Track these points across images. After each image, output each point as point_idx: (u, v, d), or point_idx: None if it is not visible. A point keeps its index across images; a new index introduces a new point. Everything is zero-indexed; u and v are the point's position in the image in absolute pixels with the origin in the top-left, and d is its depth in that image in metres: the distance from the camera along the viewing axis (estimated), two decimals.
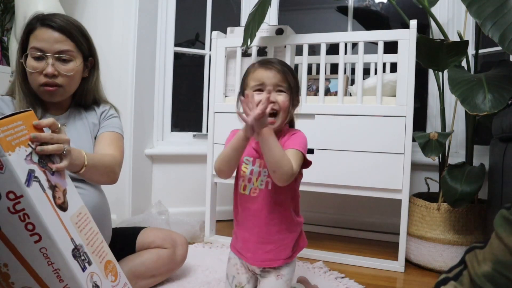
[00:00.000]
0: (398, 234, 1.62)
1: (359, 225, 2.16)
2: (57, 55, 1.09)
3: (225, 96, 1.88)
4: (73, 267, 0.77)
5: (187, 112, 2.49)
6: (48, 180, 0.80)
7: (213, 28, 2.13)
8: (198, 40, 2.47)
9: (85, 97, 1.24)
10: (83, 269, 0.80)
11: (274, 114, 1.05)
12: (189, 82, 2.53)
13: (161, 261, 1.30)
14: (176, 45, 2.31)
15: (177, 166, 2.26)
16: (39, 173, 0.77)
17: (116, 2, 2.06)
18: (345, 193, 1.68)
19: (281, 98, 1.05)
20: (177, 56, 2.34)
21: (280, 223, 1.08)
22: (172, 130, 2.33)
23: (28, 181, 0.74)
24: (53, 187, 0.80)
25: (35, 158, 0.79)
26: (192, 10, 2.44)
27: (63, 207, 0.81)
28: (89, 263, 0.83)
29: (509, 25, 1.30)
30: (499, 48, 1.44)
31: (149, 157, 2.21)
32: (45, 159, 0.82)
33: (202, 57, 2.40)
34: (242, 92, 1.09)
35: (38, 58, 1.09)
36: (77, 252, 0.81)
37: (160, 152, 2.23)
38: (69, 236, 0.80)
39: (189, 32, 2.48)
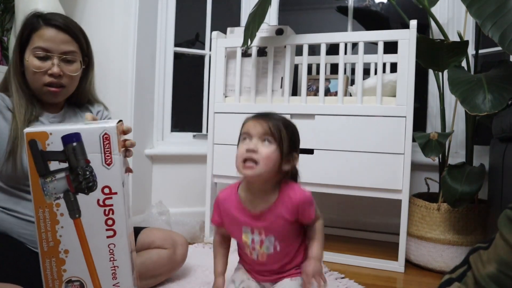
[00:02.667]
0: (398, 234, 1.62)
1: (359, 225, 2.16)
2: (63, 56, 1.09)
3: (225, 96, 1.88)
4: (130, 269, 0.83)
5: (187, 112, 2.49)
6: (127, 187, 0.87)
7: (213, 28, 2.13)
8: (198, 40, 2.47)
9: (81, 96, 1.24)
10: (132, 271, 0.85)
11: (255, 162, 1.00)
12: (189, 82, 2.53)
13: (161, 262, 1.30)
14: (176, 45, 2.31)
15: (177, 166, 2.26)
16: (125, 178, 0.85)
17: (116, 2, 2.06)
18: (345, 193, 1.68)
19: (265, 149, 0.99)
20: (177, 56, 2.34)
21: (291, 261, 1.09)
22: (172, 130, 2.33)
23: (123, 182, 0.82)
24: (127, 194, 0.87)
25: (124, 165, 0.87)
26: (192, 10, 2.44)
27: (129, 212, 0.87)
28: (133, 267, 0.87)
29: (509, 25, 1.30)
30: (499, 48, 1.44)
31: (149, 157, 2.21)
32: (124, 169, 0.89)
33: (202, 57, 2.40)
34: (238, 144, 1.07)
35: (42, 58, 1.08)
36: (131, 255, 0.86)
37: (160, 152, 2.23)
38: (130, 240, 0.85)
39: (189, 32, 2.48)
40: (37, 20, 1.09)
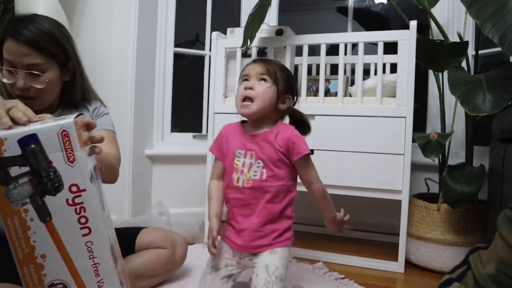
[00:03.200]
0: (398, 234, 1.62)
1: (359, 226, 2.16)
2: (26, 70, 1.04)
3: (225, 97, 1.88)
4: (111, 263, 0.81)
5: (187, 112, 2.49)
6: (98, 182, 0.85)
7: (213, 29, 2.13)
8: (198, 41, 2.47)
9: (73, 97, 1.22)
10: (116, 266, 0.84)
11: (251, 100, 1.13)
12: (189, 83, 2.53)
13: (161, 262, 1.30)
14: (176, 45, 2.31)
15: (177, 167, 2.26)
16: (94, 173, 0.82)
17: (116, 2, 2.06)
18: (345, 193, 1.68)
19: (260, 86, 1.12)
20: (177, 56, 2.34)
21: (272, 213, 1.13)
22: (172, 131, 2.33)
23: (91, 178, 0.79)
24: (99, 189, 0.85)
25: (91, 157, 0.84)
26: (192, 10, 2.44)
27: (103, 206, 0.85)
28: (116, 261, 0.86)
29: (509, 26, 1.30)
30: (499, 49, 1.44)
31: (148, 158, 2.21)
32: (94, 163, 0.86)
33: (202, 58, 2.40)
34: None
35: (9, 71, 1.05)
36: (112, 249, 0.84)
37: (160, 152, 2.23)
38: (107, 234, 0.83)
39: (189, 32, 2.48)
40: (6, 30, 1.05)
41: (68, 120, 0.75)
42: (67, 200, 0.77)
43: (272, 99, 1.13)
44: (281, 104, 1.17)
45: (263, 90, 1.12)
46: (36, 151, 0.75)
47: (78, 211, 0.77)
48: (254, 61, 1.18)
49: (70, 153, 0.75)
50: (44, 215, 0.77)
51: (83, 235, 0.78)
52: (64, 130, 0.75)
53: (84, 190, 0.77)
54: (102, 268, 0.80)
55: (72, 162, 0.76)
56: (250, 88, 1.12)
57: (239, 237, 1.14)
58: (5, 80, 1.06)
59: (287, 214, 1.16)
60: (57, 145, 0.75)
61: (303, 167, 1.16)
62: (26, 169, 0.75)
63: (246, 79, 1.15)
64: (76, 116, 0.78)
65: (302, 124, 1.23)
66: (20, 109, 0.80)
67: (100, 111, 1.27)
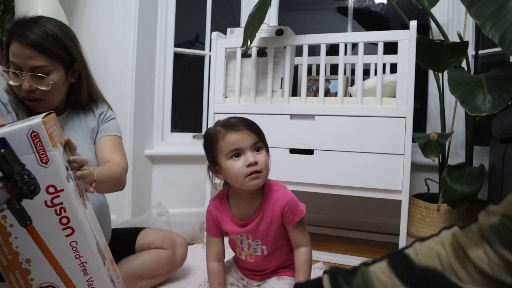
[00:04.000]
0: (398, 235, 1.62)
1: (359, 226, 2.16)
2: (30, 73, 1.06)
3: (225, 97, 1.88)
4: (99, 261, 0.81)
5: (187, 112, 2.49)
6: (75, 179, 0.82)
7: (213, 29, 2.13)
8: (198, 41, 2.47)
9: (79, 99, 1.22)
10: (104, 263, 0.83)
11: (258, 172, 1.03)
12: (189, 83, 2.53)
13: (161, 262, 1.30)
14: (176, 45, 2.31)
15: (177, 167, 2.26)
16: (70, 171, 0.80)
17: (116, 2, 2.06)
18: (344, 193, 1.68)
19: (261, 157, 1.03)
20: (177, 56, 2.34)
21: (280, 263, 1.14)
22: (172, 131, 2.33)
23: (68, 176, 0.77)
24: (79, 188, 0.83)
25: (66, 158, 0.81)
26: (192, 10, 2.44)
27: (85, 204, 0.84)
28: (105, 258, 0.85)
29: (509, 26, 1.30)
30: (499, 49, 1.44)
31: (148, 158, 2.21)
32: (69, 162, 0.83)
33: (202, 58, 2.40)
34: (213, 161, 1.07)
35: (16, 73, 1.06)
36: (98, 247, 0.83)
37: (160, 152, 2.23)
38: (92, 231, 0.82)
39: (189, 32, 2.48)
40: (11, 33, 1.06)
41: (36, 120, 0.73)
42: (45, 202, 0.75)
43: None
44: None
45: (264, 161, 1.03)
46: (7, 156, 0.72)
47: (58, 212, 0.76)
48: (234, 128, 1.03)
49: (42, 154, 0.73)
50: (24, 219, 0.75)
51: (67, 236, 0.77)
52: (33, 131, 0.72)
53: (62, 190, 0.75)
54: (90, 267, 0.79)
55: (45, 163, 0.73)
56: (256, 163, 1.01)
57: (250, 269, 1.17)
58: (11, 83, 1.07)
59: (290, 257, 1.15)
60: (28, 147, 0.72)
61: (297, 230, 1.08)
62: None
63: (238, 154, 1.02)
64: (46, 116, 0.76)
65: None
66: None
67: (107, 115, 1.27)
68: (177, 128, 2.41)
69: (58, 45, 1.08)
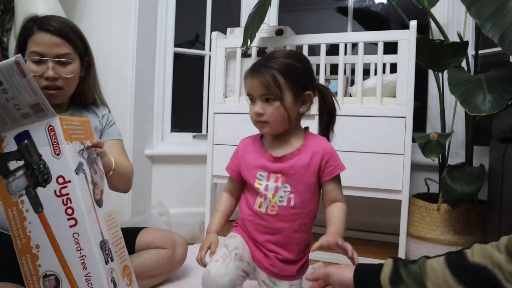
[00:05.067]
0: (398, 234, 1.62)
1: (359, 226, 2.16)
2: (57, 59, 1.11)
3: (225, 97, 1.88)
4: (98, 256, 0.83)
5: (187, 112, 2.49)
6: (92, 177, 0.88)
7: (213, 29, 2.13)
8: (198, 41, 2.47)
9: (85, 96, 1.26)
10: (106, 262, 0.85)
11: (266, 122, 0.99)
12: (189, 83, 2.53)
13: (161, 262, 1.30)
14: (176, 45, 2.31)
15: (176, 167, 2.26)
16: (86, 168, 0.87)
17: (116, 2, 2.06)
18: (345, 193, 1.67)
19: (269, 109, 0.97)
20: (177, 56, 2.34)
21: (298, 244, 1.02)
22: (172, 131, 2.33)
23: (77, 170, 0.83)
24: (94, 184, 0.88)
25: (85, 155, 0.88)
26: (192, 10, 2.44)
27: (99, 203, 0.88)
28: (112, 259, 0.87)
29: (509, 26, 1.30)
30: (499, 49, 1.44)
31: (148, 158, 2.21)
32: (91, 160, 0.90)
33: (202, 58, 2.40)
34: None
35: (38, 62, 1.10)
36: (103, 245, 0.86)
37: (160, 152, 2.23)
38: (99, 229, 0.86)
39: (189, 32, 2.48)
40: (31, 26, 1.11)
41: (54, 116, 0.83)
42: (55, 191, 0.81)
43: (286, 115, 0.97)
44: (303, 106, 1.01)
45: (272, 113, 0.96)
46: (29, 146, 0.83)
47: (65, 202, 0.81)
48: (251, 73, 0.99)
49: (56, 146, 0.81)
50: (37, 206, 0.82)
51: (70, 226, 0.81)
52: (50, 125, 0.82)
53: (69, 181, 0.81)
54: (88, 261, 0.82)
55: (58, 154, 0.81)
56: (260, 114, 0.98)
57: (262, 254, 1.03)
58: (33, 68, 1.09)
59: (311, 240, 1.06)
60: (45, 139, 0.82)
61: (335, 185, 1.02)
62: (21, 163, 0.83)
63: (251, 99, 1.00)
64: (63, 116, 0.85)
65: (331, 115, 1.07)
66: None
67: (109, 119, 1.31)
68: (177, 128, 2.41)
69: (78, 36, 1.16)
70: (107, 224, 0.90)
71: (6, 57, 2.01)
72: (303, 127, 1.07)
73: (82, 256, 0.82)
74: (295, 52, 1.06)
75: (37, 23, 1.11)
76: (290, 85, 0.97)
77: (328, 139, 1.07)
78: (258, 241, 1.02)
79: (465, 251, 0.69)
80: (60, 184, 0.81)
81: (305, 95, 1.00)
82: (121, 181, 1.17)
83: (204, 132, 2.37)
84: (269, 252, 1.02)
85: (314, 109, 1.05)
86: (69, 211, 0.81)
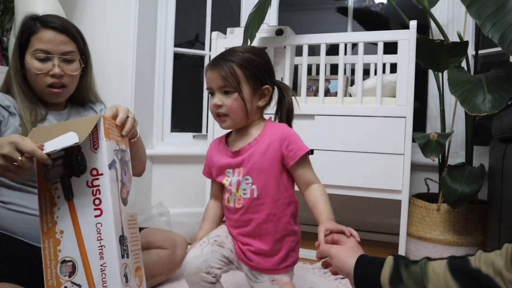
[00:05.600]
0: (398, 234, 1.62)
1: (359, 226, 2.15)
2: (63, 56, 1.12)
3: None
4: (116, 248, 0.85)
5: (187, 112, 2.49)
6: (121, 176, 0.92)
7: (213, 29, 2.13)
8: (198, 41, 2.47)
9: (82, 95, 1.26)
10: (122, 256, 0.87)
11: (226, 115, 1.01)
12: (189, 83, 2.53)
13: (161, 262, 1.30)
14: (176, 45, 2.31)
15: (176, 167, 2.26)
16: (118, 166, 0.91)
17: (116, 2, 2.06)
18: (344, 193, 1.68)
19: (228, 101, 0.98)
20: (177, 56, 2.34)
21: (271, 234, 1.00)
22: (171, 131, 2.33)
23: (110, 166, 0.87)
24: (122, 183, 0.92)
25: (119, 155, 0.92)
26: (192, 10, 2.44)
27: (124, 201, 0.92)
28: (128, 255, 0.90)
29: (509, 26, 1.30)
30: (499, 48, 1.44)
31: (148, 158, 2.21)
32: (123, 162, 0.94)
33: (202, 58, 2.40)
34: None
35: (43, 60, 1.10)
36: (122, 240, 0.88)
37: (159, 152, 2.23)
38: (121, 224, 0.89)
39: (189, 32, 2.48)
40: (34, 23, 1.11)
41: (98, 114, 0.92)
42: (87, 182, 0.86)
43: (245, 107, 0.99)
44: (261, 100, 1.02)
45: (231, 105, 0.98)
46: None
47: (94, 192, 0.85)
48: (211, 66, 1.00)
49: (95, 141, 0.86)
50: (68, 194, 0.86)
51: (95, 216, 0.85)
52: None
53: (102, 174, 0.85)
54: (106, 252, 0.84)
55: (96, 149, 0.86)
56: (219, 106, 0.99)
57: (238, 248, 1.04)
58: (37, 70, 1.10)
59: (290, 230, 1.03)
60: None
61: (303, 168, 1.01)
62: (62, 153, 0.87)
63: (211, 92, 1.02)
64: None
65: (290, 112, 1.09)
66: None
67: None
68: (177, 128, 2.41)
69: (79, 34, 1.18)
70: (128, 223, 0.92)
71: (6, 57, 2.01)
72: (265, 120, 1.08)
73: (101, 246, 0.84)
74: (256, 48, 1.09)
75: (40, 21, 1.11)
76: (249, 78, 0.99)
77: None
78: (233, 234, 1.05)
79: (469, 257, 0.70)
80: (93, 175, 0.86)
81: (263, 89, 1.02)
82: (142, 152, 1.21)
83: (204, 132, 2.37)
84: (243, 245, 1.03)
85: (273, 104, 1.08)
86: (97, 201, 0.85)
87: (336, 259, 0.83)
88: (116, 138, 0.93)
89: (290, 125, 1.08)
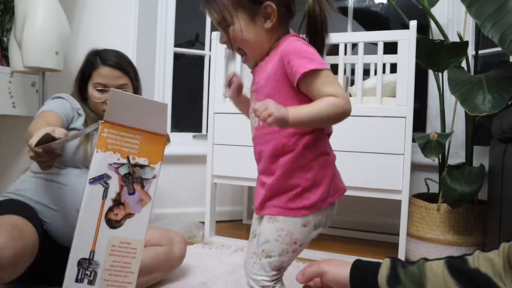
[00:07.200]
0: (398, 234, 1.62)
1: (359, 226, 2.16)
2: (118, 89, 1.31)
3: (225, 97, 1.88)
4: (70, 268, 0.78)
5: (187, 112, 2.49)
6: (118, 194, 0.82)
7: (213, 29, 2.13)
8: (198, 41, 2.47)
9: None
10: (78, 280, 0.79)
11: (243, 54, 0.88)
12: (189, 83, 2.53)
13: (158, 258, 1.30)
14: (176, 45, 2.31)
15: (176, 167, 2.26)
16: (113, 182, 0.81)
17: (116, 2, 2.06)
18: (344, 193, 1.67)
19: (231, 36, 0.84)
20: (177, 56, 2.34)
21: (282, 168, 0.84)
22: (172, 131, 2.33)
23: (94, 180, 0.80)
24: (117, 202, 0.82)
25: (123, 170, 0.82)
26: (192, 10, 2.44)
27: (113, 223, 0.82)
28: (90, 282, 0.81)
29: (509, 26, 1.30)
30: (499, 48, 1.44)
31: None
32: (133, 178, 0.84)
33: (202, 58, 2.40)
34: None
35: (101, 91, 1.31)
36: (85, 264, 0.80)
37: None
38: (91, 246, 0.80)
39: (189, 32, 2.48)
40: (95, 59, 1.33)
41: (98, 122, 0.87)
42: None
43: (249, 36, 0.84)
44: (267, 21, 0.84)
45: (234, 40, 0.84)
46: None
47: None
48: (202, 8, 0.87)
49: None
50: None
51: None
52: (97, 128, 0.86)
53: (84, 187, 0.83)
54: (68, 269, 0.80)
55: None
56: (226, 42, 0.87)
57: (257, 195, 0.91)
58: (96, 99, 1.31)
59: (304, 165, 0.84)
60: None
61: (312, 88, 0.79)
62: None
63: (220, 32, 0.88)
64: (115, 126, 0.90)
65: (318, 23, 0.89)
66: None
67: None
68: (177, 128, 2.41)
69: (131, 67, 1.38)
70: (111, 249, 0.82)
71: (6, 57, 2.01)
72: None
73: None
74: None
75: (100, 57, 1.32)
76: (240, 3, 0.83)
77: None
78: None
79: (467, 257, 0.70)
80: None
81: (265, 7, 0.83)
82: None
83: (204, 132, 2.37)
84: (258, 190, 0.90)
85: None
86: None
87: (329, 273, 0.80)
88: (123, 150, 0.82)
89: (321, 39, 0.89)
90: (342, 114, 0.80)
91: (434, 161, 1.61)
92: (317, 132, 0.86)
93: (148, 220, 0.85)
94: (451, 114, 1.97)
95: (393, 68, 1.94)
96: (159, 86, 2.26)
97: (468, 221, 1.58)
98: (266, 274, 0.85)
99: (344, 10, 2.33)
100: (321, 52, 0.87)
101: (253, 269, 0.86)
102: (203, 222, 1.94)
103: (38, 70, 1.82)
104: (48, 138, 0.92)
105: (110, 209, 0.81)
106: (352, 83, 2.17)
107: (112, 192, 0.81)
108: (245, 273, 0.89)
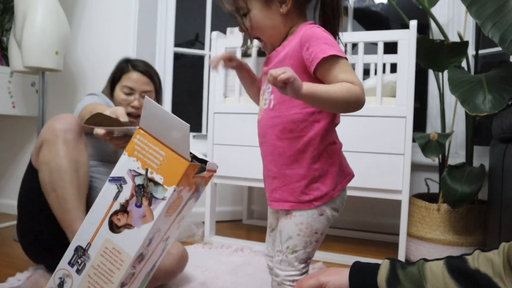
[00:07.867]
0: (398, 235, 1.62)
1: (359, 226, 2.16)
2: (143, 94, 1.41)
3: (225, 97, 1.88)
4: (68, 252, 0.82)
5: (187, 112, 2.49)
6: (126, 201, 0.81)
7: (213, 29, 2.13)
8: (198, 41, 2.47)
9: None
10: (70, 263, 0.82)
11: (259, 39, 0.90)
12: (189, 83, 2.53)
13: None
14: (176, 45, 2.31)
15: None
16: (127, 188, 0.81)
17: (116, 2, 2.06)
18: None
19: (247, 23, 0.87)
20: (177, 56, 2.34)
21: (285, 155, 0.84)
22: None
23: (113, 179, 0.82)
24: (123, 208, 0.81)
25: (138, 180, 0.81)
26: (192, 10, 2.44)
27: (113, 226, 0.82)
28: (78, 270, 0.82)
29: (509, 26, 1.30)
30: (499, 48, 1.44)
31: None
32: (144, 192, 0.81)
33: (202, 58, 2.40)
34: None
35: (127, 93, 1.41)
36: (80, 252, 0.82)
37: None
38: (90, 239, 0.82)
39: (189, 32, 2.48)
40: (127, 65, 1.44)
41: (136, 127, 0.89)
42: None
43: (265, 22, 0.86)
44: (282, 6, 0.85)
45: (251, 27, 0.87)
46: None
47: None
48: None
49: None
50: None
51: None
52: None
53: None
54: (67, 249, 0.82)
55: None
56: (246, 30, 0.89)
57: (266, 184, 0.91)
58: (123, 97, 1.40)
59: (314, 155, 0.84)
60: None
61: (329, 75, 0.78)
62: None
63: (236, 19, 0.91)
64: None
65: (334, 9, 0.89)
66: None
67: None
68: None
69: (157, 77, 1.48)
70: (103, 250, 0.81)
71: (6, 57, 2.01)
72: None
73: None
74: None
75: (131, 64, 1.43)
76: None
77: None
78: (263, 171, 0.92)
79: (466, 257, 0.69)
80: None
81: None
82: None
83: (204, 132, 2.37)
84: (266, 181, 0.91)
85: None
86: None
87: (330, 283, 0.79)
88: (145, 161, 0.81)
89: (335, 25, 0.89)
90: (356, 102, 0.77)
91: (434, 161, 1.61)
92: (329, 122, 0.86)
93: (144, 239, 0.80)
94: (451, 114, 1.97)
95: (393, 68, 1.94)
96: None
97: (468, 221, 1.58)
98: (295, 268, 0.87)
99: (344, 10, 2.33)
100: (335, 36, 0.88)
101: (281, 266, 0.87)
102: (203, 222, 1.94)
103: (38, 70, 1.82)
104: (113, 123, 0.92)
105: (115, 213, 0.81)
106: None
107: (123, 197, 0.81)
108: (271, 272, 0.91)
